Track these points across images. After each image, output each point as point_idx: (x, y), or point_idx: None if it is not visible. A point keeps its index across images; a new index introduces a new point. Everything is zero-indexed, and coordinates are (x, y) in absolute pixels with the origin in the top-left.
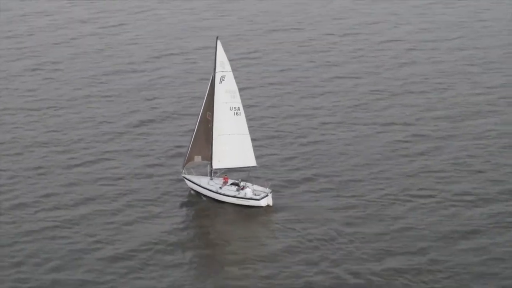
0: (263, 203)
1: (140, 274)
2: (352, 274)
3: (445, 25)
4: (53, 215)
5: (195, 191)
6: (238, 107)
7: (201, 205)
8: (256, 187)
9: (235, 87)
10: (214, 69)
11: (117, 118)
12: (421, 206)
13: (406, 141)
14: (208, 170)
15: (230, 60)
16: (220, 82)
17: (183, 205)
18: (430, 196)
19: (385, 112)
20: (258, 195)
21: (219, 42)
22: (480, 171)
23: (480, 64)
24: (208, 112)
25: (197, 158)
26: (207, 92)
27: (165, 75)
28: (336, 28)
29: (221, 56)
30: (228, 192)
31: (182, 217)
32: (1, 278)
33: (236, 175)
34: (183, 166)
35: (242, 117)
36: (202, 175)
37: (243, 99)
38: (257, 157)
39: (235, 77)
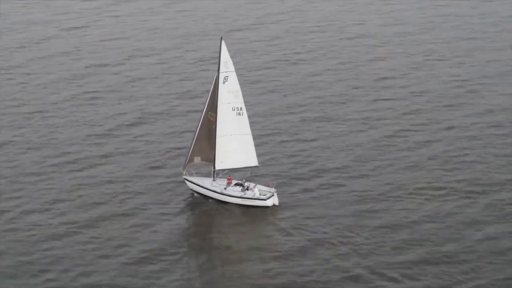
0: (269, 203)
1: (170, 276)
2: (377, 268)
3: (404, 21)
4: (66, 220)
5: (197, 192)
6: (241, 107)
7: (207, 206)
8: (260, 187)
9: (238, 87)
10: (218, 69)
11: (105, 120)
12: (432, 198)
13: (399, 136)
14: (212, 171)
15: (202, 60)
16: (223, 83)
17: (190, 206)
18: (440, 188)
19: (371, 106)
20: (264, 195)
21: (223, 42)
22: (480, 162)
23: (451, 58)
24: (210, 113)
25: (197, 159)
26: (210, 93)
27: (142, 76)
28: (298, 26)
29: (225, 56)
30: (233, 193)
31: (193, 219)
32: (32, 286)
33: (237, 175)
34: (184, 168)
35: (245, 117)
36: (203, 176)
37: None
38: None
39: (210, 78)
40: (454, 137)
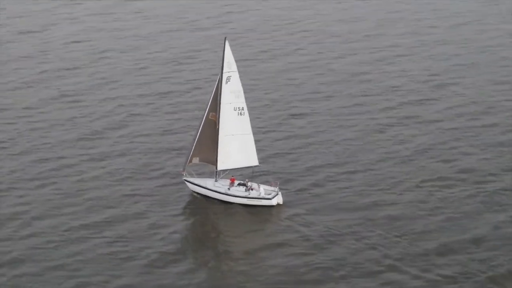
0: (274, 202)
1: (200, 277)
2: (397, 262)
3: (360, 18)
4: (79, 224)
5: (198, 193)
6: (242, 107)
7: (213, 206)
8: (263, 186)
9: (240, 87)
10: (221, 69)
11: (92, 122)
12: (438, 190)
13: (388, 130)
14: (214, 172)
15: (174, 60)
16: (226, 83)
17: (197, 207)
18: (443, 180)
19: (353, 101)
20: (268, 194)
21: (227, 43)
22: (472, 153)
23: (416, 52)
24: (211, 113)
25: (195, 160)
26: (212, 93)
27: (117, 77)
28: (259, 25)
29: (229, 56)
30: (238, 193)
31: (205, 219)
32: None
33: (237, 175)
34: (184, 168)
35: (246, 117)
36: (202, 177)
37: (197, 100)
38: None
39: (181, 77)
40: (441, 130)
